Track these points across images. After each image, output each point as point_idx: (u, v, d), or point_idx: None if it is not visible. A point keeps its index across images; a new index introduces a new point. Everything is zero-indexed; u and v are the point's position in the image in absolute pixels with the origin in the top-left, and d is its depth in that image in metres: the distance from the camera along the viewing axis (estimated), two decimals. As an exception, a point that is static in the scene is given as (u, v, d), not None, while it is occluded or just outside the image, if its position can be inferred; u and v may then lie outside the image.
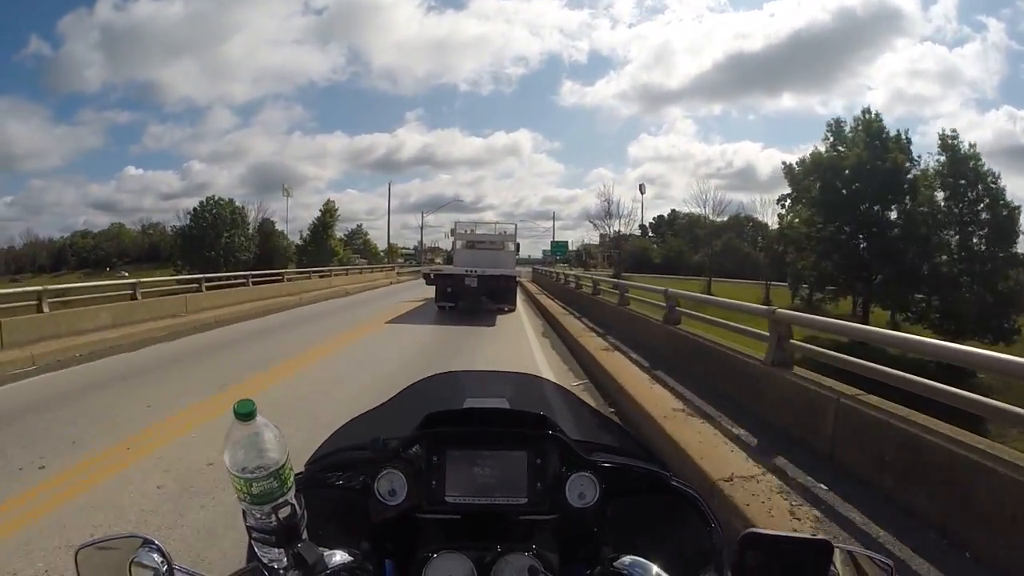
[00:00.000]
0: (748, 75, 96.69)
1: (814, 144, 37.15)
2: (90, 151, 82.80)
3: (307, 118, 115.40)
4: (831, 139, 34.41)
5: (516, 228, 19.79)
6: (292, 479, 0.70)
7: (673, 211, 75.89)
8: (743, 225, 65.06)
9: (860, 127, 33.44)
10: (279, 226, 56.57)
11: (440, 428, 0.95)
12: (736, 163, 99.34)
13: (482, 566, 0.85)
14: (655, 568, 0.81)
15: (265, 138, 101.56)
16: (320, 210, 56.77)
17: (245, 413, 0.67)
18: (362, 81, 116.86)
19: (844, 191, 32.20)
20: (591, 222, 56.08)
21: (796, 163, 35.81)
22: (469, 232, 18.73)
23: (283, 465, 0.68)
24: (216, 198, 50.86)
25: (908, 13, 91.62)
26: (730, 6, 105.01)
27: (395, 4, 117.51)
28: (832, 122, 35.37)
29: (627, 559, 0.83)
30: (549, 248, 61.18)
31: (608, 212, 52.98)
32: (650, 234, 74.85)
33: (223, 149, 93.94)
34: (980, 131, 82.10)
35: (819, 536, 0.69)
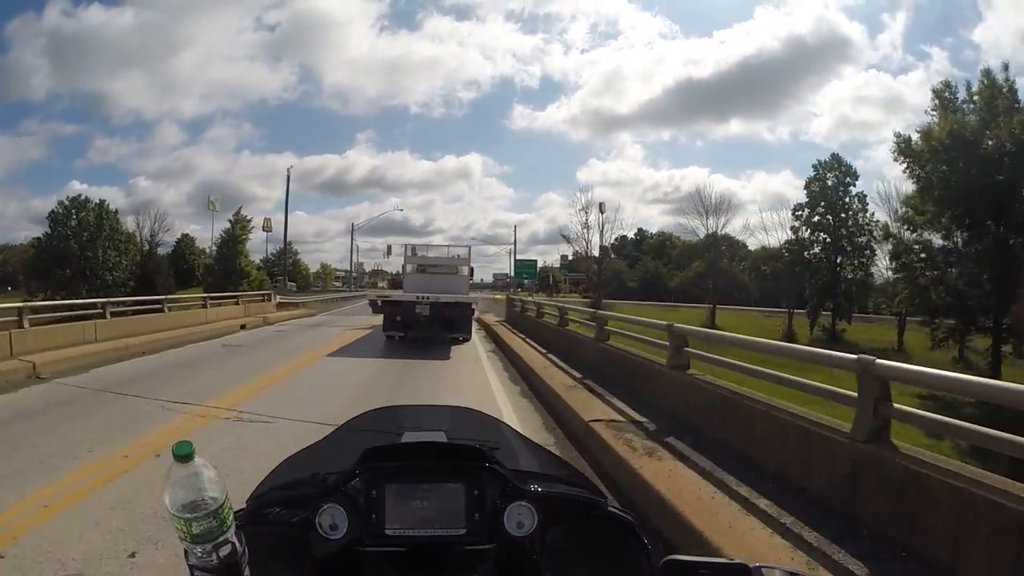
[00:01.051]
0: (697, 101, 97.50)
1: (802, 176, 32.49)
2: (32, 163, 77.81)
3: (256, 136, 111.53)
4: (939, 111, 23.52)
5: (470, 251, 18.25)
6: (232, 518, 0.72)
7: (640, 231, 73.29)
8: (720, 245, 58.95)
9: (984, 90, 22.64)
10: (205, 245, 49.80)
11: (379, 462, 0.97)
12: (684, 187, 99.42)
13: None
14: None
15: (214, 156, 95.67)
16: (229, 221, 46.38)
17: (184, 455, 0.69)
18: (313, 100, 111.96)
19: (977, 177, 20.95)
20: (564, 236, 49.05)
21: (917, 138, 23.79)
22: (420, 256, 17.38)
23: (222, 504, 0.70)
24: (83, 198, 39.52)
25: (855, 41, 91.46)
26: (681, 33, 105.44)
27: (348, 23, 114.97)
28: (940, 85, 24.24)
29: None
30: (510, 271, 52.68)
31: (586, 224, 44.92)
32: (611, 256, 71.00)
33: (170, 166, 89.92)
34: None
35: (736, 560, 0.70)
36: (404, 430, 1.18)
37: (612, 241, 66.40)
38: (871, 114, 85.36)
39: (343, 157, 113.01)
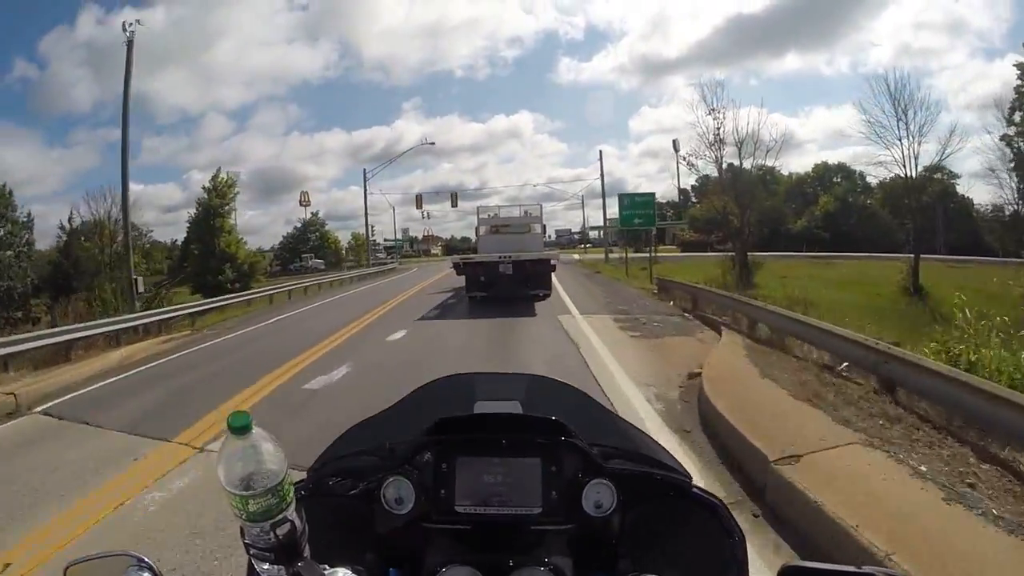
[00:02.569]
0: (749, 38, 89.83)
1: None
2: (87, 171, 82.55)
3: (303, 117, 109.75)
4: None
5: (542, 208, 18.25)
6: (292, 494, 0.67)
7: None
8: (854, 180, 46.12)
9: None
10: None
11: (450, 434, 0.91)
12: (740, 130, 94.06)
13: None
14: None
15: (263, 141, 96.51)
16: (205, 188, 32.82)
17: (240, 427, 0.64)
18: (355, 75, 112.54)
19: None
20: (687, 161, 29.11)
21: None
22: (494, 217, 17.71)
23: (282, 480, 0.66)
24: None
25: None
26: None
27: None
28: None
29: None
30: (585, 222, 37.76)
31: (717, 137, 24.35)
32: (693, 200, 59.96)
33: (221, 156, 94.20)
34: (987, 82, 72.80)
35: (865, 569, 0.63)
36: (477, 399, 1.12)
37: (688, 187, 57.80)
38: (933, 39, 75.55)
39: (391, 128, 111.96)
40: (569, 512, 0.88)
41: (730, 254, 23.64)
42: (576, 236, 76.81)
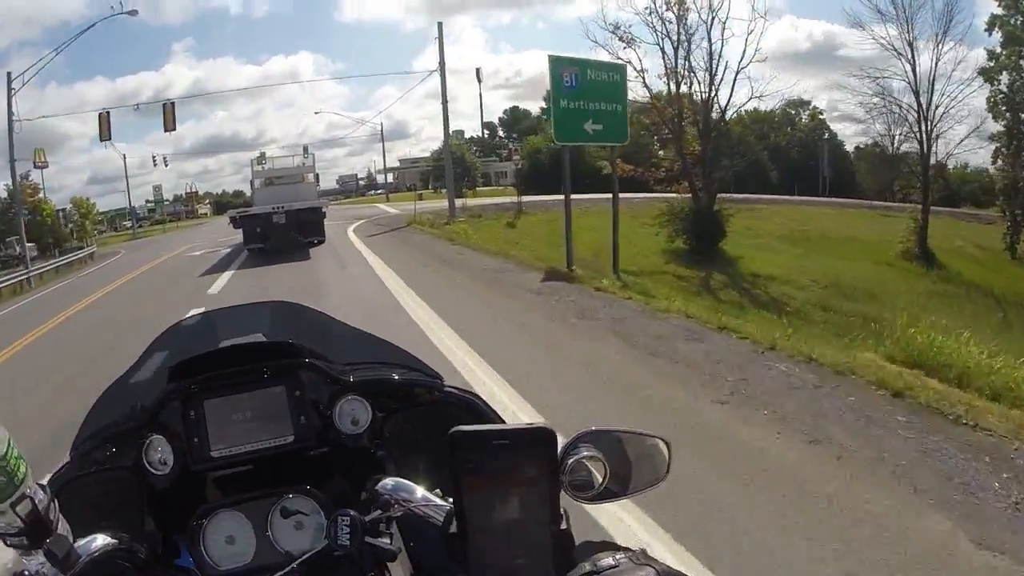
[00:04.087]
0: None
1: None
2: None
3: (62, 65, 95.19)
4: None
5: (314, 158, 19.31)
6: (23, 468, 0.60)
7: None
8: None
9: None
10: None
11: (190, 379, 0.88)
12: (526, 72, 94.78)
13: (258, 517, 0.81)
14: (420, 490, 0.77)
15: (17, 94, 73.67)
16: None
17: None
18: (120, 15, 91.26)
19: None
20: (619, 36, 17.18)
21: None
22: (267, 169, 18.05)
23: (5, 454, 0.59)
24: None
25: None
26: None
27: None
28: None
29: (389, 481, 0.78)
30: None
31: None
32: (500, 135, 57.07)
33: None
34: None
35: (537, 424, 0.58)
36: (220, 338, 1.08)
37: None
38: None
39: (161, 73, 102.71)
40: (323, 435, 0.88)
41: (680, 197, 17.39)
42: (363, 182, 71.96)
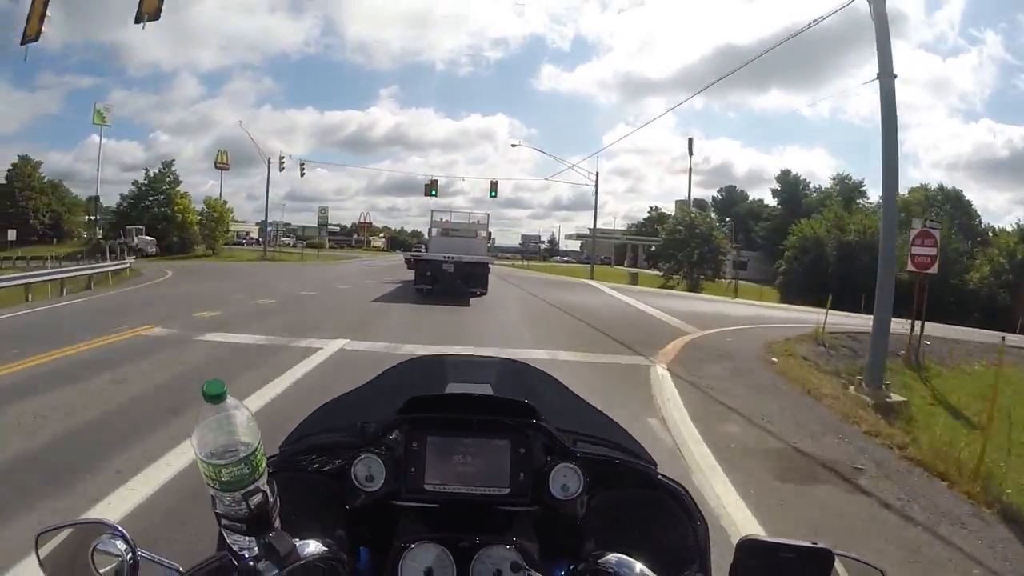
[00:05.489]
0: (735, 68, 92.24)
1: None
2: (49, 117, 76.22)
3: (277, 91, 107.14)
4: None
5: (488, 217, 21.15)
6: (264, 465, 0.67)
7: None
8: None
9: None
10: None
11: (421, 413, 0.92)
12: (713, 160, 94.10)
13: (460, 558, 0.83)
14: (639, 566, 0.77)
15: (233, 110, 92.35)
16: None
17: (214, 395, 0.64)
18: (336, 54, 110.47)
19: None
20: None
21: None
22: (445, 221, 20.07)
23: (255, 450, 0.66)
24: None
25: (911, 16, 79.01)
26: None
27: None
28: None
29: (612, 557, 0.79)
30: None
31: None
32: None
33: (189, 119, 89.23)
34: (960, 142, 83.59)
35: (820, 544, 0.65)
36: (448, 381, 1.13)
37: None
38: (915, 96, 79.28)
39: (365, 113, 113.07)
40: (536, 494, 0.90)
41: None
42: (543, 245, 75.59)
